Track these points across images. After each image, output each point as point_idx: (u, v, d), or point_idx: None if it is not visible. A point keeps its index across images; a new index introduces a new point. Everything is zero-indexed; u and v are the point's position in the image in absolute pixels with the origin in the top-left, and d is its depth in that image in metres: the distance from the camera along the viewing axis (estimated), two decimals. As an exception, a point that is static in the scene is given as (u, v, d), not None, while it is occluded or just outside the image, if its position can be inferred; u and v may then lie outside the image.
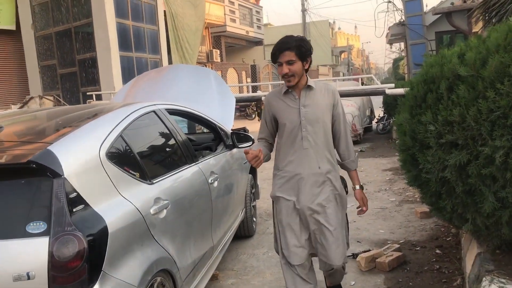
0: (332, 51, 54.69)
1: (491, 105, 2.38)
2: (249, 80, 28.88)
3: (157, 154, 3.44)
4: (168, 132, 3.37)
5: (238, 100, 9.66)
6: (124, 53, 14.60)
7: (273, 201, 2.96)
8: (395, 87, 9.84)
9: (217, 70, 24.00)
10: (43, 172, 2.10)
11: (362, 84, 14.66)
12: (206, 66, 22.14)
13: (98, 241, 2.13)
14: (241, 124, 11.52)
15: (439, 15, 12.10)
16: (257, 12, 31.58)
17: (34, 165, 2.08)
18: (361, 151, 10.69)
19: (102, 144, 2.50)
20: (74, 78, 15.22)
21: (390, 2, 15.34)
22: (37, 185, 2.15)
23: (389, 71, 59.12)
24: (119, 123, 2.76)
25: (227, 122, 4.75)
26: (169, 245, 2.72)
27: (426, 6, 13.97)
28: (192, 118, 4.38)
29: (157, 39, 16.41)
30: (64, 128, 2.72)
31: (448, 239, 4.34)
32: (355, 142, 11.81)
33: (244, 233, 4.86)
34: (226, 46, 29.20)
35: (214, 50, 25.56)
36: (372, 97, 14.09)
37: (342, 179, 2.95)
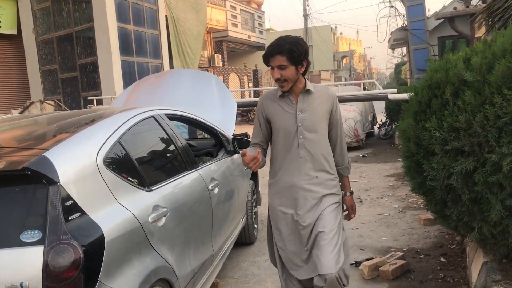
0: (334, 56, 54.68)
1: (498, 111, 2.32)
2: (251, 85, 28.87)
3: (156, 160, 3.39)
4: (168, 138, 3.31)
5: (239, 105, 9.63)
6: (125, 57, 14.58)
7: (268, 210, 2.86)
8: (398, 92, 9.77)
9: (219, 75, 24.00)
10: (38, 179, 2.05)
11: (364, 89, 14.58)
12: (207, 70, 22.13)
13: (95, 250, 2.07)
14: (242, 129, 11.47)
15: (441, 20, 12.06)
16: (259, 17, 31.62)
17: (29, 172, 2.02)
18: (363, 156, 10.63)
19: (99, 150, 2.45)
20: (75, 82, 15.20)
21: (392, 7, 15.33)
22: (32, 193, 2.09)
23: (391, 76, 59.06)
24: (117, 128, 2.70)
25: (228, 127, 4.70)
26: (168, 253, 2.65)
27: (429, 11, 13.98)
28: (193, 124, 4.32)
29: (158, 43, 16.40)
30: (61, 134, 2.67)
31: (452, 247, 4.27)
32: (357, 148, 11.76)
33: (245, 240, 4.80)
34: (228, 50, 29.22)
35: (215, 54, 25.56)
36: (374, 102, 14.03)
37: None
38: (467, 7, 10.42)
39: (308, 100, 2.61)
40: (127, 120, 2.86)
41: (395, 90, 10.15)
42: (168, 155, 3.47)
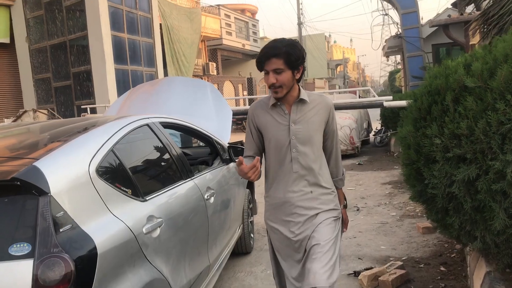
0: (328, 64, 54.92)
1: (501, 117, 2.27)
2: (245, 93, 28.87)
3: (151, 170, 3.31)
4: (162, 146, 3.24)
5: (234, 113, 9.55)
6: (120, 66, 14.52)
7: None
8: (393, 100, 9.76)
9: (213, 83, 23.95)
10: (28, 189, 1.98)
11: (359, 97, 14.60)
12: (202, 79, 22.08)
13: (87, 263, 1.99)
14: (237, 137, 11.41)
15: (436, 28, 12.10)
16: (253, 25, 31.71)
17: (18, 182, 1.95)
18: (359, 164, 10.58)
19: (92, 159, 2.37)
20: (69, 91, 15.11)
21: (386, 15, 15.38)
22: (21, 204, 2.01)
23: (385, 84, 59.38)
24: (110, 137, 2.63)
25: (224, 135, 4.63)
26: (163, 265, 2.57)
27: (422, 19, 13.99)
28: (188, 132, 4.25)
29: (152, 52, 16.35)
30: (52, 142, 2.59)
31: (452, 255, 4.20)
32: (353, 155, 11.71)
33: (241, 250, 4.71)
34: (222, 59, 29.25)
35: (210, 63, 25.57)
36: (369, 110, 14.03)
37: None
38: (461, 14, 10.44)
39: (302, 110, 2.41)
40: (120, 129, 2.79)
41: (391, 97, 10.15)
42: (162, 164, 3.40)
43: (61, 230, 1.97)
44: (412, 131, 2.92)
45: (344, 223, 2.68)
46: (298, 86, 2.43)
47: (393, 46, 14.60)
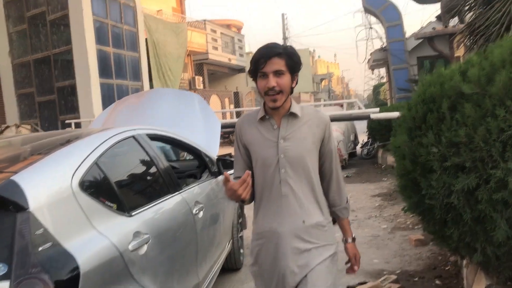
0: (313, 78, 55.30)
1: (502, 124, 2.20)
2: (232, 107, 28.81)
3: (137, 183, 3.18)
4: (149, 159, 3.11)
5: (221, 126, 9.44)
6: (105, 80, 14.35)
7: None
8: (380, 112, 9.75)
9: (199, 97, 23.81)
10: (5, 205, 1.85)
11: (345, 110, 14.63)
12: (188, 93, 21.96)
13: (68, 283, 1.87)
14: (224, 151, 11.29)
15: (420, 40, 12.21)
16: (239, 40, 31.78)
17: (-6, 198, 1.82)
18: (347, 176, 10.52)
19: (74, 172, 2.25)
20: (53, 106, 14.87)
21: (371, 28, 15.52)
22: (-3, 221, 1.88)
23: (369, 98, 59.87)
24: (94, 149, 2.50)
25: (212, 148, 4.52)
26: (151, 284, 2.44)
27: (405, 32, 14.11)
28: (175, 144, 4.13)
29: (138, 65, 16.22)
30: (32, 155, 2.46)
31: (447, 268, 4.12)
32: (341, 168, 11.62)
33: (231, 266, 4.58)
34: (209, 73, 29.20)
35: (196, 77, 25.50)
36: (355, 122, 14.04)
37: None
38: (446, 27, 10.54)
39: (294, 125, 2.11)
40: (105, 141, 2.66)
41: (377, 109, 10.14)
42: (149, 177, 3.27)
43: (40, 248, 1.84)
44: (407, 140, 2.84)
45: (356, 260, 2.30)
46: (291, 98, 2.14)
47: (378, 59, 14.69)
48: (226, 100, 28.83)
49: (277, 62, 2.00)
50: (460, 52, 9.56)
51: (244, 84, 33.05)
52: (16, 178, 1.97)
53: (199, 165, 4.31)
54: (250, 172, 1.91)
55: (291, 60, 2.03)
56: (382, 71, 32.15)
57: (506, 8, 5.39)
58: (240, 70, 32.47)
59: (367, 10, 14.62)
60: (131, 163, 3.10)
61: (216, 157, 4.26)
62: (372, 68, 18.86)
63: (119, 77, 15.19)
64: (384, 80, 29.84)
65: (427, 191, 2.66)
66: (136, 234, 2.43)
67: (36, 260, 1.79)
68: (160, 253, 2.63)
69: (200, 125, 4.87)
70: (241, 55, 31.68)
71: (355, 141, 14.69)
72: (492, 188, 2.27)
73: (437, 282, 3.85)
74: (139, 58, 16.30)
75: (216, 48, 27.72)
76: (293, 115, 2.11)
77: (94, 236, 2.15)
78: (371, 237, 5.48)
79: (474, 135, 2.32)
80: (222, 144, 22.33)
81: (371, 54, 15.83)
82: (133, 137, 3.03)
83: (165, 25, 20.84)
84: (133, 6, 15.97)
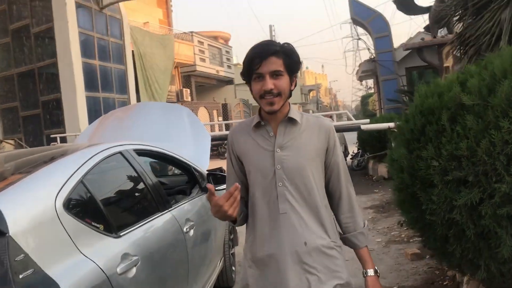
0: (301, 89, 55.52)
1: (506, 136, 2.12)
2: (220, 119, 28.72)
3: (125, 202, 3.04)
4: (137, 176, 2.98)
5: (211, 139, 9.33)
6: (90, 93, 14.15)
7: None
8: (370, 123, 9.71)
9: (187, 110, 23.71)
10: (-18, 230, 1.71)
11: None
12: (176, 105, 21.84)
13: (51, 313, 1.73)
14: (213, 164, 11.15)
15: (409, 51, 12.26)
16: (227, 52, 31.79)
17: (-31, 223, 1.69)
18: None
19: (58, 192, 2.12)
20: (38, 120, 14.60)
21: (360, 39, 15.59)
22: (-27, 247, 1.74)
23: (357, 108, 60.25)
24: (79, 167, 2.37)
25: (203, 162, 4.40)
26: (140, 309, 2.30)
27: (393, 43, 14.18)
28: (164, 159, 4.00)
29: (125, 78, 16.05)
30: (13, 175, 2.32)
31: (445, 283, 4.01)
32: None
33: (222, 284, 4.43)
34: (197, 85, 29.13)
35: (184, 89, 25.40)
36: (345, 133, 14.01)
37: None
38: (434, 37, 10.59)
39: (292, 132, 1.85)
40: (91, 157, 2.53)
41: (367, 120, 10.11)
42: (137, 195, 3.14)
43: (21, 276, 1.71)
44: (405, 153, 2.75)
45: None
46: (289, 103, 1.90)
47: (367, 70, 14.73)
48: (215, 112, 28.74)
49: (274, 62, 1.76)
50: (449, 62, 9.60)
51: (232, 95, 33.05)
52: (-6, 200, 1.83)
53: (189, 180, 4.19)
54: (238, 185, 1.68)
55: (290, 59, 1.80)
56: (370, 81, 32.39)
57: (496, 18, 5.37)
58: (228, 81, 32.48)
59: (355, 21, 14.68)
60: (119, 180, 2.97)
61: (206, 172, 4.14)
62: (360, 79, 18.93)
63: (105, 90, 15.01)
64: (372, 90, 30.03)
65: (428, 206, 2.57)
66: (125, 256, 2.30)
67: (16, 289, 1.65)
68: (150, 275, 2.50)
69: (190, 139, 4.75)
70: (229, 67, 31.69)
71: (345, 153, 14.64)
72: (497, 203, 2.19)
73: (436, 297, 3.75)
74: (126, 70, 16.14)
75: (203, 60, 27.68)
76: (292, 121, 1.86)
77: (80, 260, 2.02)
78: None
79: (476, 148, 2.24)
80: (211, 157, 22.18)
81: (359, 65, 15.87)
82: (121, 153, 2.90)
83: (151, 37, 20.77)
84: (119, 18, 15.85)
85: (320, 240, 1.83)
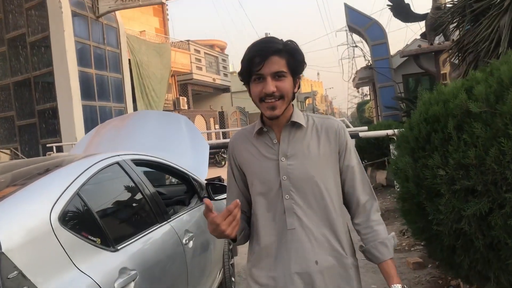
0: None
1: (516, 144, 2.06)
2: (217, 127, 28.68)
3: (122, 214, 2.96)
4: (135, 186, 2.90)
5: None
6: (87, 102, 14.09)
7: None
8: (368, 130, 9.66)
9: (184, 118, 23.64)
10: (-28, 247, 1.64)
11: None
12: (172, 114, 21.77)
13: (46, 333, 1.65)
14: (210, 172, 11.07)
15: (405, 58, 12.27)
16: (223, 60, 31.81)
17: (-41, 239, 1.61)
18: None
19: (53, 206, 2.03)
20: (34, 129, 14.53)
21: (356, 46, 15.60)
22: (-36, 264, 1.66)
23: (353, 116, 60.37)
24: (75, 179, 2.29)
25: (201, 171, 4.32)
26: (139, 325, 2.22)
27: (389, 50, 14.20)
28: (162, 169, 3.93)
29: (121, 87, 16.01)
30: (7, 187, 2.25)
31: (449, 293, 3.94)
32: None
33: (222, 296, 4.34)
34: (193, 93, 29.09)
35: (181, 97, 25.36)
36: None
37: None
38: (431, 44, 10.59)
39: (297, 138, 1.67)
40: (87, 169, 2.45)
41: (366, 128, 10.06)
42: (135, 206, 3.06)
43: (13, 294, 1.62)
44: (410, 162, 2.69)
45: None
46: (292, 105, 1.72)
47: (364, 77, 14.74)
48: (211, 120, 28.69)
49: (276, 62, 1.57)
50: (446, 69, 9.60)
51: (229, 103, 33.05)
52: (-14, 215, 1.76)
53: (188, 190, 4.11)
54: (238, 202, 1.50)
55: (294, 58, 1.61)
56: (366, 89, 32.46)
57: (495, 24, 5.35)
58: (225, 89, 32.48)
59: (351, 29, 14.70)
60: (116, 191, 2.89)
61: (205, 182, 4.07)
62: (357, 86, 18.94)
63: (102, 98, 14.96)
64: (368, 98, 30.07)
65: (434, 216, 2.50)
66: (122, 270, 2.22)
67: (8, 309, 1.58)
68: (148, 290, 2.41)
69: (188, 148, 4.68)
70: (225, 75, 31.71)
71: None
72: (507, 213, 2.12)
73: (440, 308, 3.68)
74: (122, 79, 16.10)
75: (200, 68, 27.67)
76: (296, 125, 1.68)
77: (76, 276, 1.94)
78: (366, 261, 5.28)
79: (485, 157, 2.17)
80: (208, 165, 22.07)
81: (356, 72, 15.88)
82: (118, 163, 2.83)
83: (148, 45, 20.73)
84: (115, 27, 15.83)
85: (333, 258, 1.65)
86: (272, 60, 1.57)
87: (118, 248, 2.32)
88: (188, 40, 26.76)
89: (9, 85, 14.85)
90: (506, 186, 2.13)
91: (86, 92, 14.09)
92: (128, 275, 2.22)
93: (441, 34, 10.46)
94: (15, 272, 1.68)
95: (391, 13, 12.59)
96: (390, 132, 7.52)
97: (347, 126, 10.90)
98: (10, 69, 14.73)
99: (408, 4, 12.43)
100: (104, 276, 2.07)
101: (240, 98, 32.97)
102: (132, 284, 2.24)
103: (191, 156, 4.56)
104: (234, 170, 1.82)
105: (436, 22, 9.41)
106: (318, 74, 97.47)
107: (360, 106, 37.69)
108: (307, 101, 66.88)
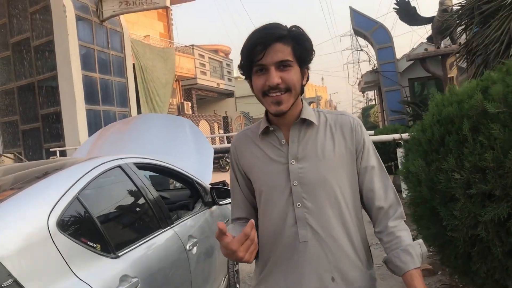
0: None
1: (537, 146, 1.96)
2: (221, 131, 28.63)
3: (124, 219, 2.88)
4: (137, 190, 2.82)
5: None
6: (91, 106, 14.05)
7: None
8: (375, 134, 9.58)
9: (188, 123, 23.60)
10: (-35, 253, 1.55)
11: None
12: (176, 118, 21.73)
13: None
14: (214, 177, 10.98)
15: (412, 62, 12.17)
16: (228, 65, 31.80)
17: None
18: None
19: (52, 210, 1.95)
20: (37, 134, 14.49)
21: (362, 50, 15.52)
22: (-45, 272, 1.58)
23: (358, 120, 60.11)
24: (75, 182, 2.21)
25: (205, 176, 4.24)
26: (140, 336, 2.12)
27: (395, 54, 14.11)
28: (166, 173, 3.84)
29: (125, 91, 15.96)
30: (4, 191, 2.16)
31: (461, 301, 3.83)
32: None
33: (227, 303, 4.23)
34: (197, 98, 29.08)
35: (185, 102, 25.32)
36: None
37: None
38: (438, 48, 10.50)
39: (308, 137, 1.48)
40: (88, 172, 2.37)
41: (372, 132, 9.98)
42: (137, 211, 2.97)
43: (8, 304, 1.54)
44: (423, 165, 2.59)
45: None
46: (301, 100, 1.54)
47: (370, 81, 14.64)
48: (215, 125, 28.65)
49: (280, 50, 1.38)
50: (453, 73, 9.50)
51: (233, 108, 33.03)
52: (-20, 220, 1.68)
53: (192, 195, 4.03)
54: (253, 222, 1.30)
55: (301, 46, 1.41)
56: (370, 93, 32.33)
57: (505, 26, 5.25)
58: (229, 94, 32.48)
59: (356, 33, 14.62)
60: (118, 196, 2.80)
61: (209, 186, 3.98)
62: (362, 90, 18.84)
63: (106, 103, 14.92)
64: (373, 102, 29.94)
65: (449, 222, 2.39)
66: (124, 278, 2.13)
67: (1, 320, 1.49)
68: (150, 299, 2.32)
69: (192, 152, 4.60)
70: (229, 80, 31.70)
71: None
72: (528, 219, 2.02)
73: (452, 317, 3.56)
74: (127, 83, 16.06)
75: (204, 73, 27.66)
76: (307, 123, 1.50)
77: (74, 284, 1.86)
78: (374, 267, 5.17)
79: (504, 159, 2.07)
80: (212, 170, 22.00)
81: (362, 76, 15.79)
82: (120, 166, 2.74)
83: (152, 50, 20.72)
84: (120, 31, 15.81)
85: (351, 272, 1.47)
86: (276, 48, 1.38)
87: (119, 254, 2.24)
88: (192, 45, 26.77)
89: (13, 90, 14.84)
90: (527, 191, 2.03)
91: (90, 96, 14.05)
92: (130, 282, 2.14)
93: (448, 37, 10.37)
94: (10, 280, 1.61)
95: (397, 16, 12.50)
96: (397, 136, 7.42)
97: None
98: (15, 73, 14.72)
99: (414, 7, 12.34)
100: (104, 284, 1.99)
101: (244, 103, 32.94)
102: (133, 292, 2.15)
103: (195, 159, 4.48)
104: (238, 176, 1.64)
105: (442, 25, 9.32)
106: (322, 79, 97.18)
107: (365, 111, 37.55)
108: (311, 106, 66.89)
